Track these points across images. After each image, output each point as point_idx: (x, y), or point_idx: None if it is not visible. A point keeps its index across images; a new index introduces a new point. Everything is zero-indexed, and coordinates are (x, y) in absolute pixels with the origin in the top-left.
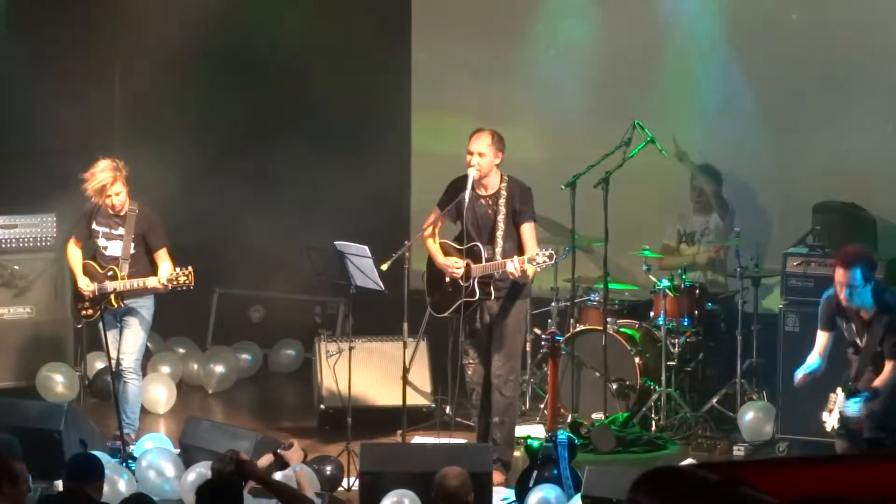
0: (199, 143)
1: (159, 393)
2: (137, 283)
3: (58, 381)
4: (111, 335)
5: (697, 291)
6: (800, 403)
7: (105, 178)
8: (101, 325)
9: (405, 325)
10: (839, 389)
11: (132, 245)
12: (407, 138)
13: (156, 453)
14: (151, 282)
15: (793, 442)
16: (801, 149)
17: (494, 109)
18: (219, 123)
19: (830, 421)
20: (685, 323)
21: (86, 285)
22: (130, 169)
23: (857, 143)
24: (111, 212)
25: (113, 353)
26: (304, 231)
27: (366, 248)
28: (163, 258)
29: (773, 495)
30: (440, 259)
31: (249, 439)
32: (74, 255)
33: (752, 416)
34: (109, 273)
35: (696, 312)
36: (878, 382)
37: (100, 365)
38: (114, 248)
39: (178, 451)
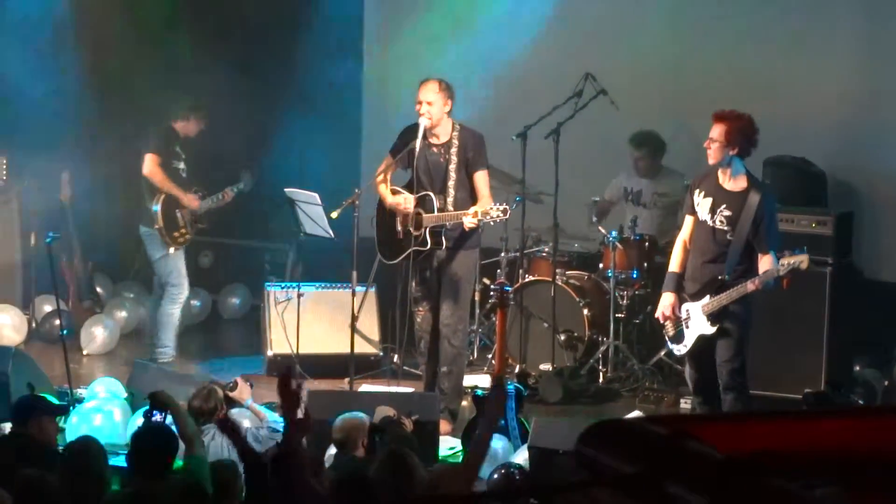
0: (143, 90)
1: (100, 336)
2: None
3: (6, 324)
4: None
5: (647, 244)
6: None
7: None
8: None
9: (354, 273)
10: (695, 301)
11: None
12: (358, 85)
13: (103, 397)
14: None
15: None
16: (753, 103)
17: (447, 60)
18: (158, 64)
19: (690, 335)
20: (634, 275)
21: (191, 202)
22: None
23: (808, 98)
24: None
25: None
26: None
27: (316, 195)
28: None
29: (720, 450)
30: (389, 199)
31: (196, 385)
32: (162, 175)
33: None
34: (200, 194)
35: (646, 265)
36: (764, 270)
37: (48, 308)
38: None
39: (125, 396)
